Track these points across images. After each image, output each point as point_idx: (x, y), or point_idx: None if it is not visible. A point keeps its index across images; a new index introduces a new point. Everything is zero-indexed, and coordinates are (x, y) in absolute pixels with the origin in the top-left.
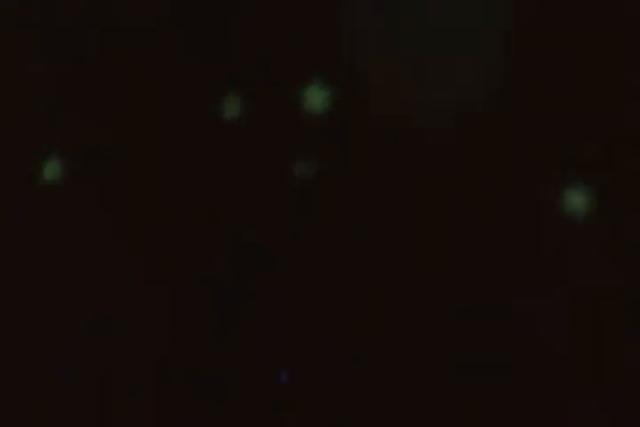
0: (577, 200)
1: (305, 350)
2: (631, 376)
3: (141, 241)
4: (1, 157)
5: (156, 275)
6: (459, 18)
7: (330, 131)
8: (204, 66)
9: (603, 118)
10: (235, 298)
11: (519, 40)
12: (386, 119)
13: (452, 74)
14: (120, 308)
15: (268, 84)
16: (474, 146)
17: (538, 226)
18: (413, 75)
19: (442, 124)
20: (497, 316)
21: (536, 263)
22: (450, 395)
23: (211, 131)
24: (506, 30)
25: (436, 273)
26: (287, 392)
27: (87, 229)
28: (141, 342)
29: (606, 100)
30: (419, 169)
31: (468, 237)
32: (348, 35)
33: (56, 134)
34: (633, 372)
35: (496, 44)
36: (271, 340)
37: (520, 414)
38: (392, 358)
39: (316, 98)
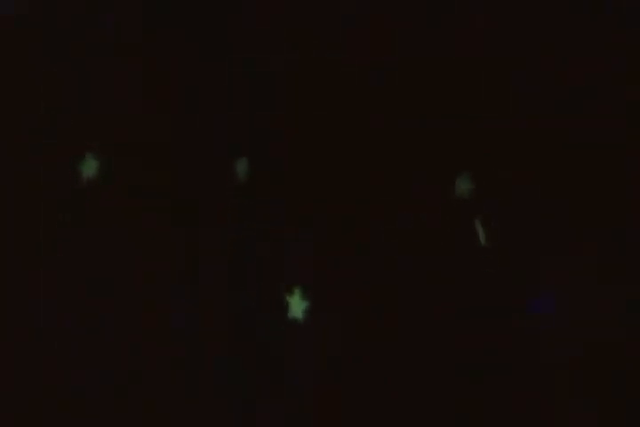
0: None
1: (305, 351)
2: (630, 376)
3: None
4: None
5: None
6: None
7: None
8: (203, 66)
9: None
10: (238, 302)
11: None
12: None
13: None
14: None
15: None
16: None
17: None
18: None
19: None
20: (497, 316)
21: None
22: (450, 395)
23: (211, 130)
24: None
25: (436, 273)
26: (288, 392)
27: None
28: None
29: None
30: (420, 166)
31: (468, 237)
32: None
33: (54, 134)
34: (631, 372)
35: None
36: (271, 339)
37: (520, 414)
38: (392, 358)
39: None
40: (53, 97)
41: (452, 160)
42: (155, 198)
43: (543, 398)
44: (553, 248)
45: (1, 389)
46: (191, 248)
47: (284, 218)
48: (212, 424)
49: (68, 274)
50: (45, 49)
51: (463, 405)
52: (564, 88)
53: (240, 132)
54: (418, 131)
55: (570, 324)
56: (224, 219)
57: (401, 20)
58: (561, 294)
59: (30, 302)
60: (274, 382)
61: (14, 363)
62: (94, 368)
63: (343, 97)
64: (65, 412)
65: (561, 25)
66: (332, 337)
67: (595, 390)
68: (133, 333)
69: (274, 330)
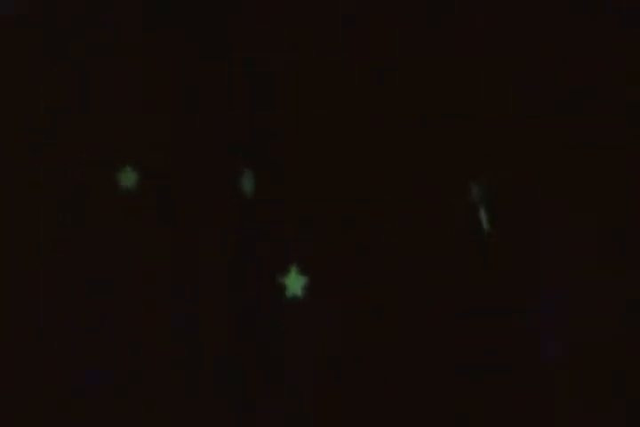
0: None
1: (305, 351)
2: (631, 376)
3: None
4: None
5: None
6: None
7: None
8: (203, 66)
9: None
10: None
11: None
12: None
13: None
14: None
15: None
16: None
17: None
18: None
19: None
20: (497, 316)
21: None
22: (450, 395)
23: (211, 130)
24: None
25: (436, 273)
26: (288, 392)
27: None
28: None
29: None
30: (420, 166)
31: (467, 238)
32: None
33: (54, 134)
34: (631, 372)
35: None
36: (271, 339)
37: (520, 415)
38: (392, 359)
39: None
40: (53, 97)
41: (451, 160)
42: (155, 198)
43: (543, 398)
44: (553, 248)
45: (1, 389)
46: (191, 248)
47: (284, 218)
48: (212, 424)
49: (68, 274)
50: (45, 49)
51: (463, 405)
52: (564, 88)
53: (240, 132)
54: (418, 131)
55: (570, 324)
56: (224, 219)
57: (401, 20)
58: (561, 294)
59: (30, 302)
60: (274, 382)
61: (14, 363)
62: (94, 368)
63: (343, 97)
64: (65, 412)
65: (561, 25)
66: (332, 338)
67: (595, 390)
68: (133, 333)
69: (274, 330)
